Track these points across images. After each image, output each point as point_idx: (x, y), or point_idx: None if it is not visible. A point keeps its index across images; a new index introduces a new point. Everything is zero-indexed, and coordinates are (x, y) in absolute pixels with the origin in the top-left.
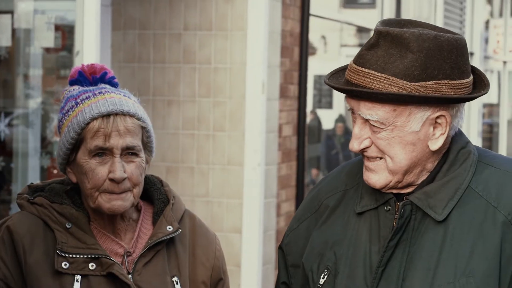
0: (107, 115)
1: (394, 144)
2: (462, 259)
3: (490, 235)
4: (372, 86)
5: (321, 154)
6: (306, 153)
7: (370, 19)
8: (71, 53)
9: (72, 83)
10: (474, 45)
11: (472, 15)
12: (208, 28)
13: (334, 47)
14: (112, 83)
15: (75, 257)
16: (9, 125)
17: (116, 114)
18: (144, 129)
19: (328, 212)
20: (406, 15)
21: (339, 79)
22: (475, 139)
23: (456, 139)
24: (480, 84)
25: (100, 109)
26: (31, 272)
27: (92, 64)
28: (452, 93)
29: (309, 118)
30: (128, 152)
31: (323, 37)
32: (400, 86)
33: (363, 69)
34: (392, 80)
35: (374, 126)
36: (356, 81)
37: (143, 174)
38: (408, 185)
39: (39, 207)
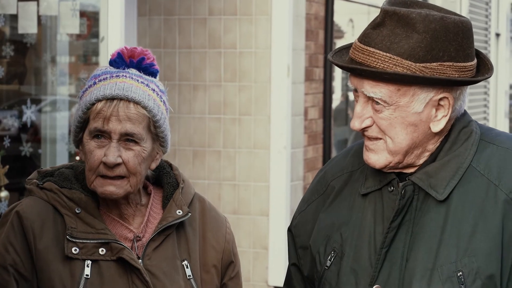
0: (111, 99)
1: (396, 124)
2: (464, 239)
3: (492, 213)
4: (377, 66)
5: (349, 137)
6: (332, 136)
7: None
8: (98, 39)
9: (110, 63)
10: (500, 26)
11: None
12: (232, 13)
13: (362, 30)
14: (149, 69)
15: (85, 242)
16: (37, 111)
17: (120, 99)
18: (151, 119)
19: (334, 193)
20: None
21: (342, 57)
22: (502, 120)
23: (459, 118)
24: (483, 67)
25: (105, 92)
26: (41, 257)
27: (134, 48)
28: (456, 75)
29: (339, 101)
30: (128, 138)
31: (351, 20)
32: (405, 66)
33: (368, 48)
34: (397, 60)
35: (377, 105)
36: (360, 60)
37: (143, 164)
38: (410, 166)
39: (48, 192)
